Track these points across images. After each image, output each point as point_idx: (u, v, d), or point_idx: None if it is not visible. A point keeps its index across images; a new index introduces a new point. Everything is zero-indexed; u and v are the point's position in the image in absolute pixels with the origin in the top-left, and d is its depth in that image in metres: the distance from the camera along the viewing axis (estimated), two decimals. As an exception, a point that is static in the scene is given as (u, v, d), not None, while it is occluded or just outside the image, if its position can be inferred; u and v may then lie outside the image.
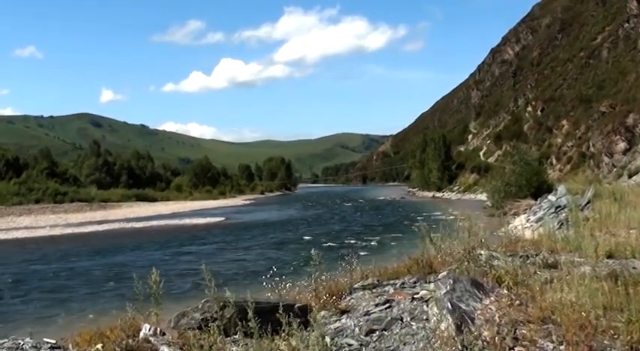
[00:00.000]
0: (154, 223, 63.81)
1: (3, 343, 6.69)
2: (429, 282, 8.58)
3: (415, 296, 7.90)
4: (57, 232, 55.98)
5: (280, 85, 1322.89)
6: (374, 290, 9.05)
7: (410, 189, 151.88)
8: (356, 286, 9.42)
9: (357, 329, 7.05)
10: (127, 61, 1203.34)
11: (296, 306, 7.29)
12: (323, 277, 9.41)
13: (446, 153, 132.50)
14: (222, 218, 70.03)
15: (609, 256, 9.82)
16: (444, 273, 8.77)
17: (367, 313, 7.62)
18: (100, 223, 64.15)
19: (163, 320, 7.49)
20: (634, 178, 52.48)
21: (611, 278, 7.34)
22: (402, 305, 7.61)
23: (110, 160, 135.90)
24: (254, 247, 38.78)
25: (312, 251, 8.60)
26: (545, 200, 33.64)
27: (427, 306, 6.91)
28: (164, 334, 7.23)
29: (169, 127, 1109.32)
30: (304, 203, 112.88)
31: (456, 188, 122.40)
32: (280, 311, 6.38)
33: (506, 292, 7.00)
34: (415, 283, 9.11)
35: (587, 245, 9.94)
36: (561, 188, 31.76)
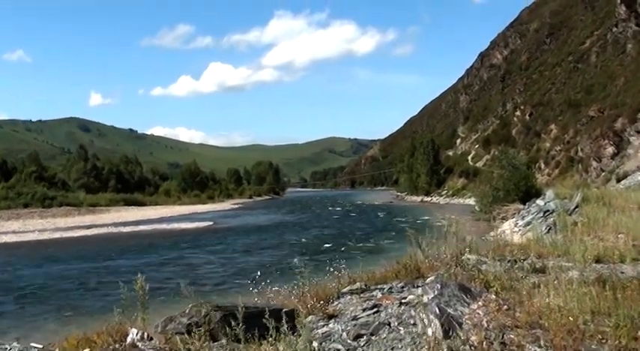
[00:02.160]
0: (143, 227, 63.67)
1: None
2: (417, 287, 8.57)
3: (403, 301, 7.88)
4: (45, 236, 55.83)
5: (269, 89, 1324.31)
6: (362, 295, 9.02)
7: (398, 193, 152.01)
8: (344, 290, 9.40)
9: (344, 334, 7.03)
10: (116, 65, 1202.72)
11: (283, 310, 7.26)
12: (311, 282, 9.39)
13: (434, 157, 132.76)
14: (211, 223, 69.95)
15: (597, 261, 9.83)
16: (432, 278, 8.76)
17: (355, 318, 7.60)
18: (88, 227, 63.88)
19: (150, 325, 7.46)
20: (622, 182, 52.61)
21: (599, 283, 7.35)
22: (389, 310, 7.60)
23: (98, 165, 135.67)
24: (241, 252, 38.77)
25: (295, 260, 8.58)
26: (534, 205, 33.68)
27: (415, 311, 6.90)
28: (151, 338, 7.20)
29: (158, 131, 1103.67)
30: (292, 208, 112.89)
31: (444, 192, 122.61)
32: (267, 316, 6.36)
33: (494, 296, 6.99)
34: (403, 287, 9.09)
35: (575, 250, 9.95)
36: (549, 193, 31.82)
